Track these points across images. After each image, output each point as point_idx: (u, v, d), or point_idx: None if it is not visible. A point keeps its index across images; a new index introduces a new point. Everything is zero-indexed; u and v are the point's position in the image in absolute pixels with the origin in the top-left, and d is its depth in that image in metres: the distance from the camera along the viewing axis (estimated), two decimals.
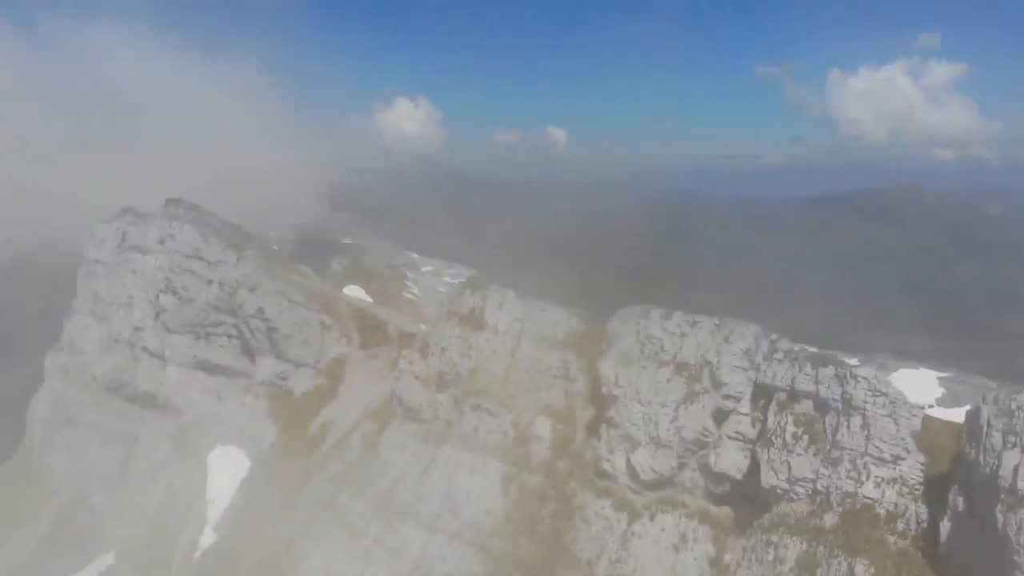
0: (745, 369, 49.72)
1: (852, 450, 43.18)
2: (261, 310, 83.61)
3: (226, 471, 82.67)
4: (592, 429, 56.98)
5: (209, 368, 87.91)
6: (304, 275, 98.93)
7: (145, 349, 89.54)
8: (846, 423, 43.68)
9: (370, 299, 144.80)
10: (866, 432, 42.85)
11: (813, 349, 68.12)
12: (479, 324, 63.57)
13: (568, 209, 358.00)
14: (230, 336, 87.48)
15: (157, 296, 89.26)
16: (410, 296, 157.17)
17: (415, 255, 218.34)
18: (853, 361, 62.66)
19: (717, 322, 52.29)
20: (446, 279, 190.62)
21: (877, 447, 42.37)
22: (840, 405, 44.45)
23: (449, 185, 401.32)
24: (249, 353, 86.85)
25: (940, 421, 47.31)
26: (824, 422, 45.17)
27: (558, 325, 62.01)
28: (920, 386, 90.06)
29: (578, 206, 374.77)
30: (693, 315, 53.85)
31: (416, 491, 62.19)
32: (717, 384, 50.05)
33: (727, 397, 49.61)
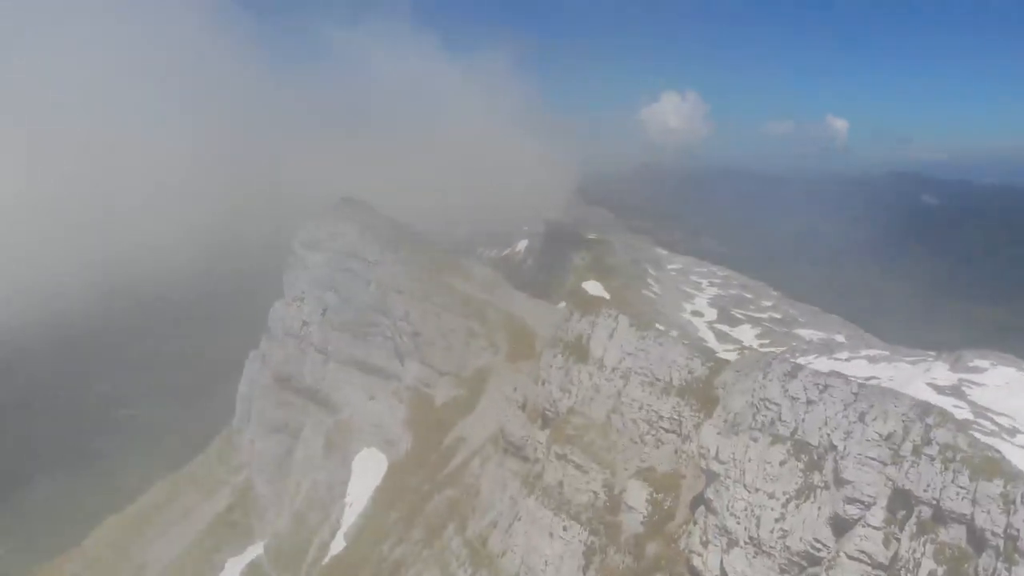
0: (883, 464, 35.81)
1: None
2: (407, 313, 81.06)
3: (367, 475, 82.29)
4: (696, 507, 45.64)
5: (365, 368, 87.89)
6: (471, 277, 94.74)
7: (311, 344, 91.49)
8: (1007, 573, 29.05)
9: (607, 295, 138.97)
10: None
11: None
12: (584, 355, 54.41)
13: (850, 204, 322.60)
14: (385, 337, 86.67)
15: (323, 292, 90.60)
16: (649, 295, 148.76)
17: (663, 252, 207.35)
18: None
19: (855, 390, 38.47)
20: (693, 278, 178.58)
21: None
22: (1002, 542, 29.78)
23: (712, 179, 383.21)
24: (400, 356, 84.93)
25: None
26: (978, 564, 30.65)
27: (676, 366, 50.94)
28: None
29: (861, 201, 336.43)
30: (829, 375, 40.39)
31: (504, 542, 55.25)
32: (840, 480, 36.69)
33: (851, 501, 36.14)
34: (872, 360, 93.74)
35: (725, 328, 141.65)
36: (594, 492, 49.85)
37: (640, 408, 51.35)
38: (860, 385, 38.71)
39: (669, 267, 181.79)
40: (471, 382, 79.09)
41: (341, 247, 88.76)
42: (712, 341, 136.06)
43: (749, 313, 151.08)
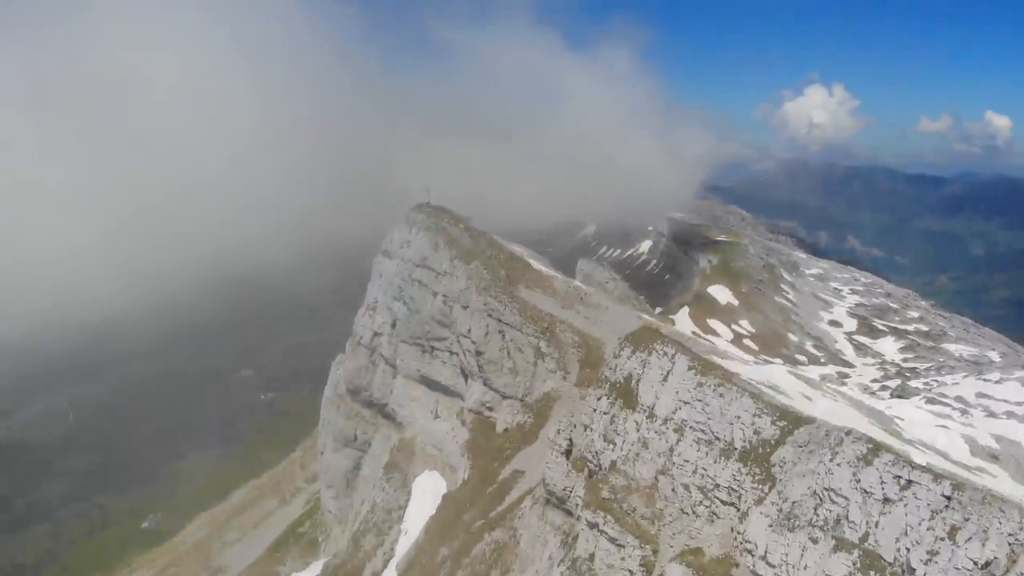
0: None
1: None
2: (470, 330, 75.23)
3: (425, 500, 77.07)
4: None
5: (431, 384, 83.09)
6: (552, 289, 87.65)
7: (382, 355, 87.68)
8: None
9: (736, 302, 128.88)
10: None
11: None
12: (632, 400, 46.56)
13: (1016, 207, 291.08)
14: (451, 353, 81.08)
15: (393, 303, 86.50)
16: (783, 302, 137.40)
17: (801, 255, 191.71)
18: None
19: (947, 492, 29.06)
20: (833, 284, 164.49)
21: None
22: None
23: (862, 177, 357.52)
24: (465, 375, 79.38)
25: None
26: None
27: (739, 423, 42.16)
28: None
29: None
30: (915, 468, 31.02)
31: None
32: None
33: None
34: None
35: (865, 340, 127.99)
36: (630, 572, 42.13)
37: (694, 472, 43.00)
38: (954, 487, 29.16)
39: (807, 272, 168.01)
40: (536, 409, 72.31)
41: (411, 256, 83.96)
42: (850, 354, 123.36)
43: (893, 324, 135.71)
